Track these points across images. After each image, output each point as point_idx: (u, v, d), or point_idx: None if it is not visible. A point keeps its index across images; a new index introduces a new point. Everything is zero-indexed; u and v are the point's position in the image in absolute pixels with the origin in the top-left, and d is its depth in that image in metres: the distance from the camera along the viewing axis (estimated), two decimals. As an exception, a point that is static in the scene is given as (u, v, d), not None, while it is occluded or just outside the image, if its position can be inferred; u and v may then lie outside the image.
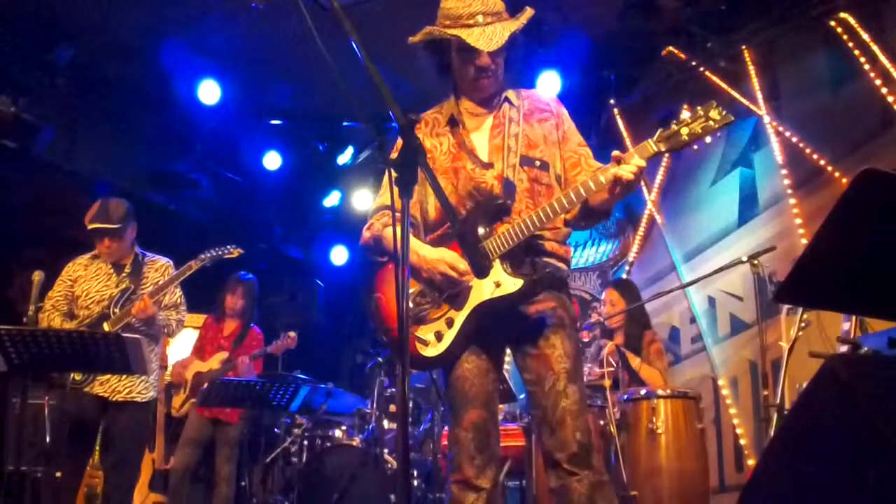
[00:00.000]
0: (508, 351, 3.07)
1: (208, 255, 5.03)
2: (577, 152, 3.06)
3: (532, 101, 3.12)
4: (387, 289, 3.03)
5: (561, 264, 3.00)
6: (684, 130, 2.72)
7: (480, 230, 2.86)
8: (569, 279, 3.08)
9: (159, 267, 5.01)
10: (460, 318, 2.87)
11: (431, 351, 2.89)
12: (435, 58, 3.04)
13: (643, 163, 2.71)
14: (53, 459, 4.57)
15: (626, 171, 2.69)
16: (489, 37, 2.83)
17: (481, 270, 2.78)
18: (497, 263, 2.82)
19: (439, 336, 2.89)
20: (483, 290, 2.83)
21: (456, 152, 3.02)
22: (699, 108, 2.73)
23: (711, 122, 2.70)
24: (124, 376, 4.68)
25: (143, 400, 4.77)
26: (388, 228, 3.02)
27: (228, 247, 5.13)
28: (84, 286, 4.84)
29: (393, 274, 2.97)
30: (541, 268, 2.89)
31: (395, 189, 2.10)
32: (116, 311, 4.73)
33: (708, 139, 2.77)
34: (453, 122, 3.07)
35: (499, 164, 2.96)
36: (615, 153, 2.74)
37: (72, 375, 4.62)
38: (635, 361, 5.33)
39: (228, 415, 6.10)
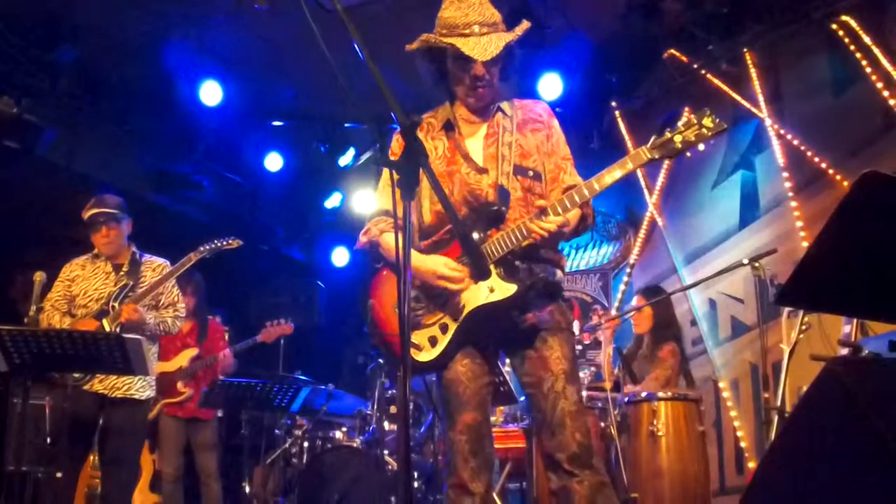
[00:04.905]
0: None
1: (208, 247, 5.02)
2: (559, 166, 3.07)
3: (525, 111, 3.12)
4: (380, 295, 3.04)
5: (556, 270, 3.01)
6: (678, 138, 2.76)
7: (476, 235, 2.88)
8: (563, 284, 3.08)
9: (156, 267, 4.98)
10: (455, 323, 2.88)
11: (425, 356, 2.90)
12: (432, 65, 3.05)
13: (561, 219, 2.74)
14: (54, 460, 4.54)
15: (536, 227, 2.74)
16: (484, 47, 2.84)
17: (482, 272, 2.78)
18: (491, 268, 2.84)
19: (433, 341, 2.90)
20: (478, 296, 2.85)
21: (451, 156, 3.03)
22: (692, 115, 2.76)
23: (704, 130, 2.74)
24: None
25: (141, 398, 4.75)
26: (386, 234, 3.02)
27: (228, 239, 5.12)
28: (82, 285, 4.82)
29: (386, 280, 3.03)
30: (535, 274, 2.90)
31: (397, 191, 2.10)
32: (115, 305, 4.71)
33: (701, 147, 2.77)
34: (449, 127, 3.08)
35: (493, 172, 2.97)
36: (539, 202, 2.79)
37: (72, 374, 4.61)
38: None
39: (205, 413, 6.11)
